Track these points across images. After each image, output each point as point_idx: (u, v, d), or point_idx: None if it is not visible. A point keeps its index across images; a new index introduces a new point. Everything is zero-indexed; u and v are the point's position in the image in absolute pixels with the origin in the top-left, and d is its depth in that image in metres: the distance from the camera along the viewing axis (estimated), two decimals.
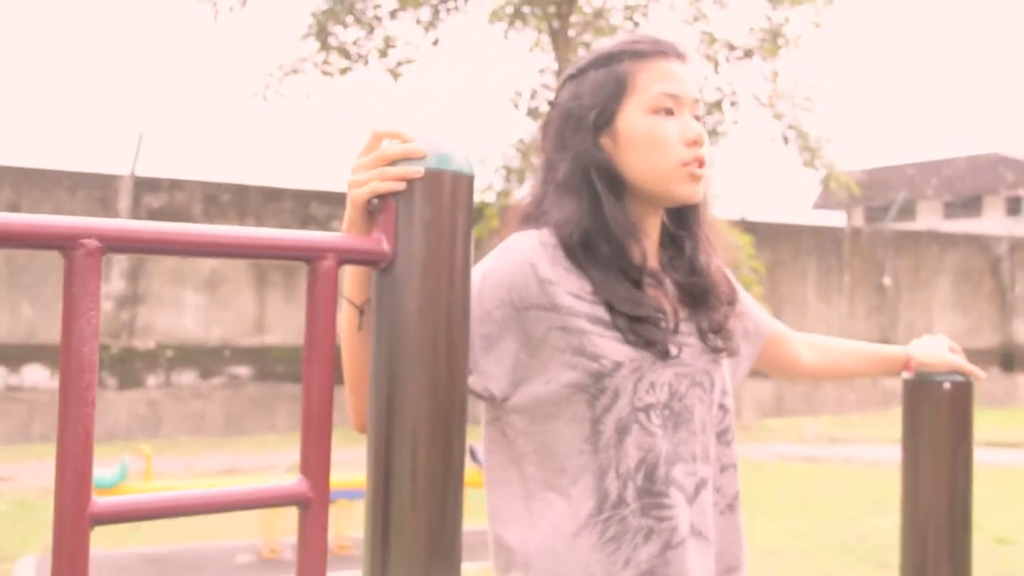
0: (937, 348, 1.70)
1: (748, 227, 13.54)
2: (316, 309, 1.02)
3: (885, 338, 15.40)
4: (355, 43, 12.89)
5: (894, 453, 9.91)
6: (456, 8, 13.08)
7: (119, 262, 11.26)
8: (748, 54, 13.43)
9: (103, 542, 5.88)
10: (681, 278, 1.50)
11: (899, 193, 19.05)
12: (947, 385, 1.61)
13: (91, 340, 0.89)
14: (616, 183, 1.46)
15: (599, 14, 13.46)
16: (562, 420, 1.41)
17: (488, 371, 1.39)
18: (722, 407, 1.50)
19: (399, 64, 13.10)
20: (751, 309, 1.65)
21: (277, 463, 9.46)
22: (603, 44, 1.53)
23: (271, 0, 13.98)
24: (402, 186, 1.06)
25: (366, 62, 12.95)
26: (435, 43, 13.22)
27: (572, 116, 1.48)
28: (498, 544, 1.45)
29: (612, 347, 1.40)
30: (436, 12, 13.00)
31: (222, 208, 12.00)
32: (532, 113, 12.95)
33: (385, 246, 1.06)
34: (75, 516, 0.89)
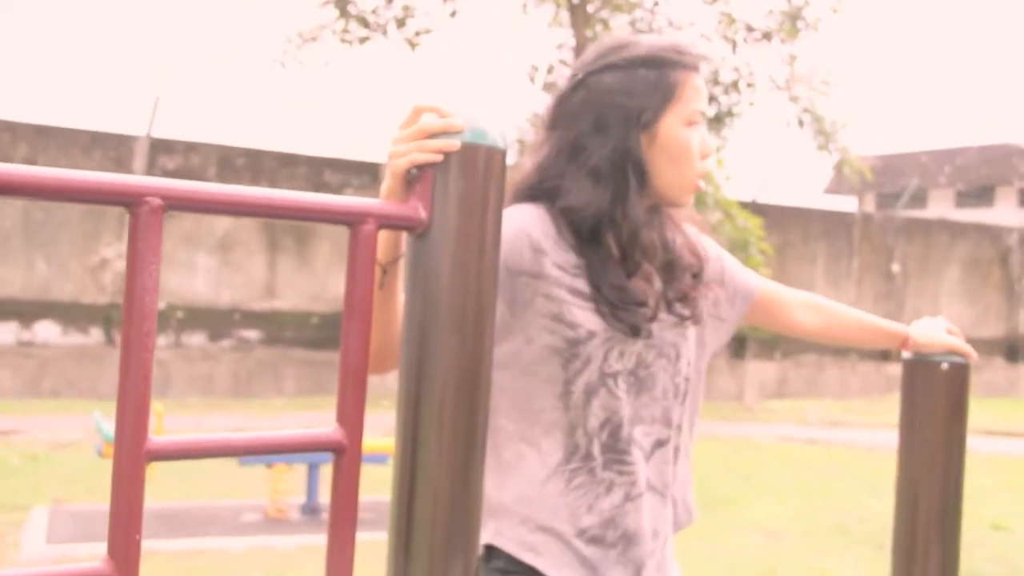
0: (936, 330, 1.76)
1: (758, 209, 13.58)
2: (356, 269, 1.09)
3: None
4: (374, 12, 12.90)
5: (894, 438, 9.97)
6: None
7: None
8: (767, 36, 13.41)
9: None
10: (665, 256, 1.63)
11: (911, 180, 19.04)
12: (945, 366, 1.68)
13: (152, 291, 0.96)
14: (645, 181, 1.58)
15: None
16: (538, 378, 1.55)
17: None
18: (687, 377, 1.64)
19: (417, 34, 13.12)
20: (736, 275, 1.76)
21: (284, 426, 9.57)
22: (649, 42, 1.61)
23: None
24: (440, 158, 1.13)
25: (384, 31, 12.97)
26: (453, 14, 13.23)
27: (620, 108, 1.56)
28: None
29: (588, 318, 1.53)
30: None
31: (236, 172, 12.07)
32: (548, 88, 12.97)
33: (422, 213, 1.13)
34: (134, 451, 0.97)
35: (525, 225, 1.54)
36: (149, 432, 0.98)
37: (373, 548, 2.26)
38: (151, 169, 11.59)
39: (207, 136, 12.21)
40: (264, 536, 5.53)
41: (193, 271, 11.84)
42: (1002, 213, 26.32)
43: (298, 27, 12.95)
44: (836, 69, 13.12)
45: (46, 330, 11.44)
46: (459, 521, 1.15)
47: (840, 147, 14.16)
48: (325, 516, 6.01)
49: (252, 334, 12.17)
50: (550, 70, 13.25)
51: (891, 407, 13.55)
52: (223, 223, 11.90)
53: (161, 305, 11.71)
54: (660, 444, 1.61)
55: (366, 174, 12.76)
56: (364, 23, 12.86)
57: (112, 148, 11.63)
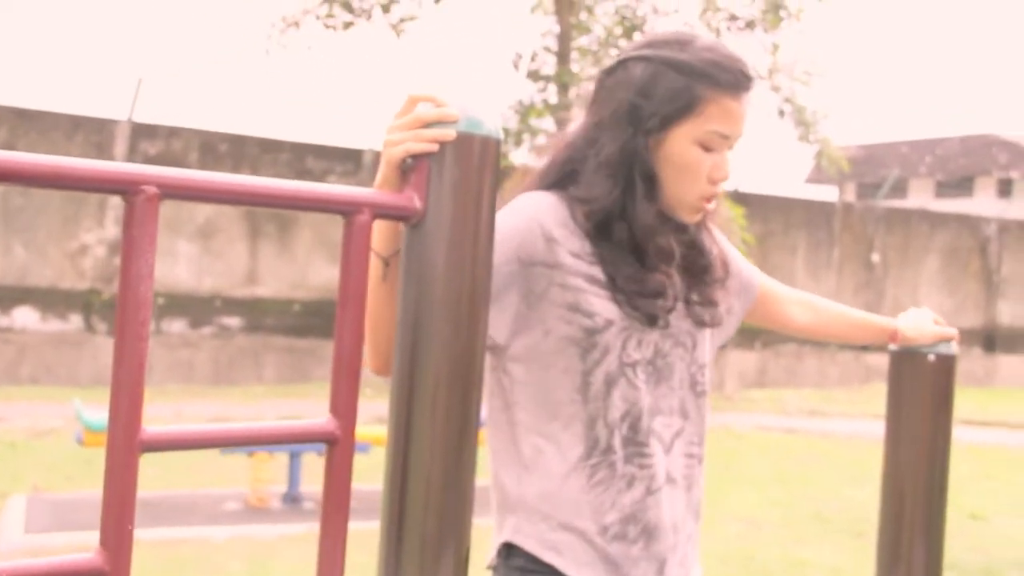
0: (923, 321, 1.78)
1: (740, 198, 13.62)
2: (350, 259, 1.08)
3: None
4: None
5: (873, 427, 10.06)
6: None
7: (114, 208, 11.27)
8: (750, 25, 13.44)
9: (95, 483, 5.97)
10: (682, 251, 1.59)
11: (892, 170, 19.14)
12: (931, 357, 1.70)
13: (147, 279, 0.96)
14: (654, 184, 1.53)
15: None
16: (556, 370, 1.51)
17: (493, 321, 1.48)
18: (704, 366, 1.61)
19: (402, 20, 13.06)
20: (741, 268, 1.75)
21: (265, 414, 9.55)
22: (699, 46, 1.53)
23: None
24: (435, 147, 1.13)
25: (369, 17, 12.91)
26: (438, 1, 13.18)
27: (635, 106, 1.52)
28: (496, 483, 1.58)
29: (605, 306, 1.51)
30: None
31: (218, 157, 12.02)
32: (532, 75, 12.95)
33: (417, 203, 1.13)
34: (127, 442, 0.96)
35: (538, 214, 1.51)
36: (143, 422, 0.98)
37: (358, 537, 2.26)
38: (132, 154, 11.51)
39: (189, 121, 12.14)
40: (245, 525, 5.52)
41: (174, 258, 11.78)
42: (981, 203, 26.48)
43: (281, 11, 12.88)
44: (818, 59, 13.11)
45: (24, 316, 11.36)
46: (451, 511, 1.15)
47: (820, 138, 14.22)
48: (306, 505, 6.01)
49: (233, 321, 12.13)
50: (534, 57, 13.22)
51: (870, 396, 13.65)
52: (204, 210, 11.83)
53: None
54: (679, 435, 1.57)
55: (349, 161, 12.72)
56: (348, 8, 12.79)
57: (93, 132, 11.55)
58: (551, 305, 1.50)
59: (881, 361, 15.36)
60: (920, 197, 28.75)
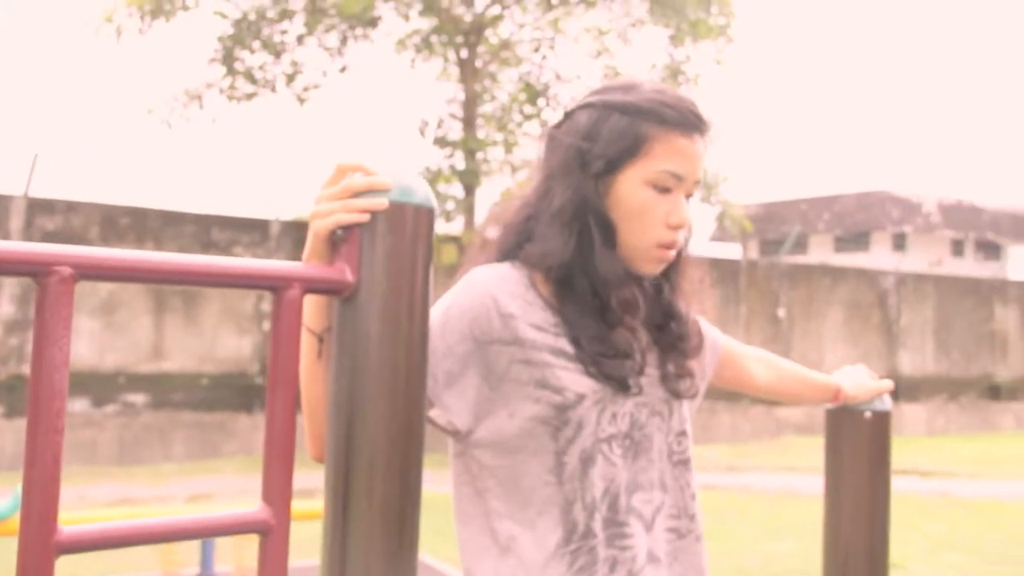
0: (860, 378, 1.78)
1: None
2: (280, 337, 1.03)
3: None
4: (261, 68, 12.80)
5: (788, 481, 10.16)
6: (364, 36, 13.08)
7: (9, 285, 10.91)
8: None
9: None
10: (656, 319, 1.52)
11: (794, 227, 19.59)
12: (868, 414, 1.69)
13: (62, 368, 0.89)
14: (610, 230, 1.46)
15: (505, 45, 13.63)
16: (526, 453, 1.42)
17: (451, 405, 1.40)
18: (682, 434, 1.53)
19: (306, 90, 13.04)
20: (707, 330, 1.68)
21: (175, 493, 9.25)
22: (645, 88, 1.48)
23: (177, 24, 13.76)
24: (366, 217, 1.08)
25: (273, 88, 12.86)
26: (343, 70, 13.20)
27: (581, 152, 1.46)
28: None
29: (575, 379, 1.41)
30: (344, 39, 13.00)
31: (120, 232, 11.75)
32: (439, 142, 13.00)
33: (349, 276, 1.08)
34: (41, 544, 0.88)
35: (489, 288, 1.42)
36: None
37: None
38: (29, 230, 11.19)
39: (88, 195, 11.86)
40: None
41: (76, 334, 11.42)
42: (877, 257, 27.28)
43: (184, 84, 12.76)
44: (717, 123, 13.39)
45: None
46: None
47: (722, 199, 14.52)
48: None
49: (138, 398, 11.78)
50: (440, 124, 13.29)
51: (782, 450, 13.80)
52: (106, 285, 11.53)
53: None
54: (659, 510, 1.47)
55: (256, 231, 12.56)
56: (251, 79, 12.73)
57: None
58: (515, 384, 1.41)
59: (791, 414, 15.60)
60: (820, 252, 29.52)
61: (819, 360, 16.23)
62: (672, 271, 1.55)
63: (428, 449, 1.18)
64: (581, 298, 1.44)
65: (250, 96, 12.78)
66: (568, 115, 1.52)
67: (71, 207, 11.65)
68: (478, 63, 13.30)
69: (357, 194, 1.11)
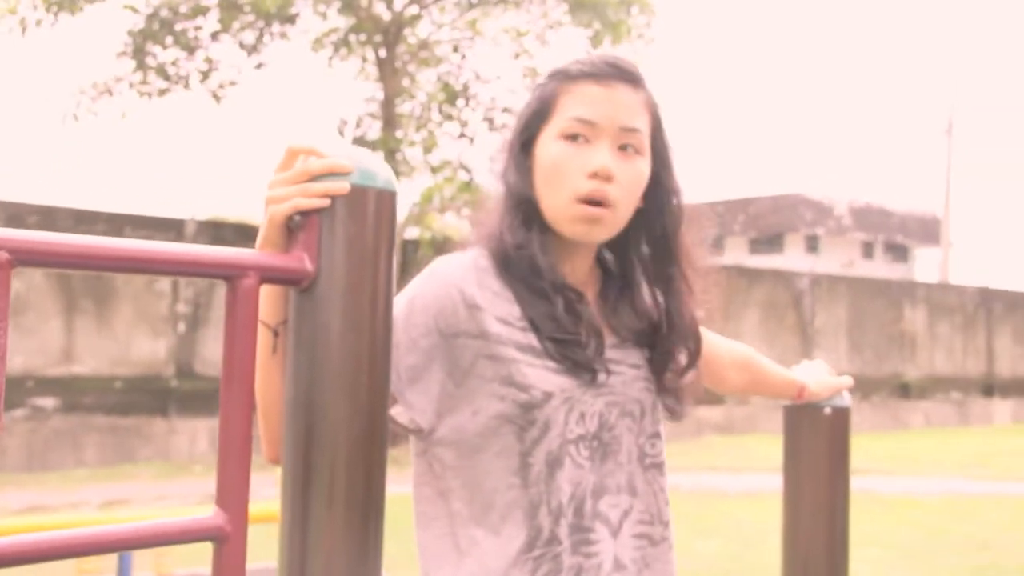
0: (820, 374, 1.75)
1: None
2: (235, 330, 0.96)
3: None
4: (174, 63, 12.52)
5: (710, 480, 10.24)
6: (282, 34, 12.88)
7: None
8: None
9: None
10: (635, 322, 1.44)
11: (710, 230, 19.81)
12: (828, 410, 1.67)
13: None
14: (525, 207, 1.39)
15: (424, 46, 13.53)
16: (490, 453, 1.34)
17: (414, 402, 1.33)
18: (655, 436, 1.45)
19: (221, 87, 12.79)
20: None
21: (88, 500, 8.97)
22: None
23: (85, 18, 13.40)
24: (326, 202, 1.02)
25: (187, 84, 12.58)
26: (259, 67, 12.97)
27: (510, 135, 1.43)
28: None
29: (542, 376, 1.34)
30: (260, 36, 12.77)
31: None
32: (358, 141, 12.86)
33: (307, 265, 1.01)
34: None
35: (455, 279, 1.35)
36: None
37: None
38: None
39: None
40: None
41: None
42: (791, 259, 27.77)
43: (92, 79, 12.41)
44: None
45: None
46: None
47: None
48: None
49: (48, 402, 11.41)
50: (359, 123, 13.15)
51: (703, 449, 13.93)
52: (12, 285, 11.14)
53: None
54: (627, 515, 1.39)
55: (171, 231, 12.26)
56: (164, 75, 12.44)
57: None
58: (480, 380, 1.33)
59: (711, 414, 15.76)
60: (735, 254, 29.94)
61: None
62: (667, 262, 1.46)
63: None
64: (520, 279, 1.37)
65: (163, 92, 12.48)
66: None
67: None
68: (397, 63, 13.18)
69: (315, 178, 1.04)
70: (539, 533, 1.33)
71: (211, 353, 11.91)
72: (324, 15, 12.85)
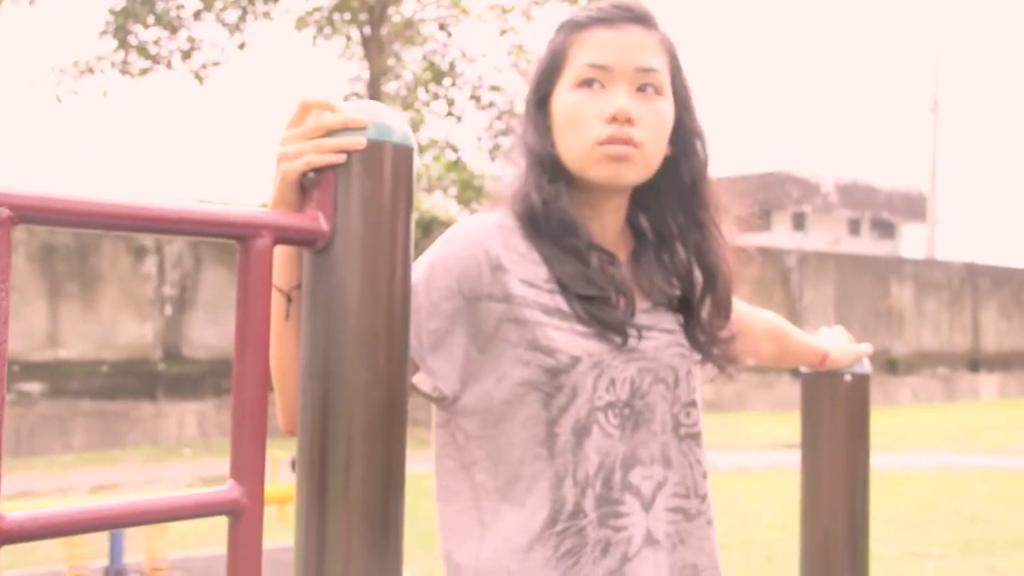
0: (842, 342, 1.71)
1: None
2: (248, 293, 0.91)
3: None
4: (156, 43, 12.38)
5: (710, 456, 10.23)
6: (265, 13, 12.75)
7: None
8: None
9: None
10: (668, 286, 1.38)
11: None
12: (848, 377, 1.63)
13: (0, 325, 0.76)
14: (549, 164, 1.33)
15: (409, 24, 13.42)
16: (515, 423, 1.29)
17: (436, 369, 1.27)
18: (691, 404, 1.38)
19: (204, 67, 12.66)
20: None
21: (77, 484, 8.91)
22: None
23: None
24: (342, 158, 0.96)
25: (169, 64, 12.45)
26: (241, 46, 12.84)
27: (527, 95, 1.39)
28: (448, 561, 1.33)
29: (569, 340, 1.28)
30: (243, 15, 12.64)
31: None
32: None
33: (322, 224, 0.96)
34: None
35: (480, 238, 1.29)
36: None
37: None
38: None
39: None
40: None
41: None
42: (779, 236, 27.79)
43: (73, 58, 12.28)
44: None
45: None
46: None
47: None
48: None
49: (34, 387, 11.32)
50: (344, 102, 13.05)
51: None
52: None
53: None
54: (660, 487, 1.33)
55: None
56: (146, 54, 12.30)
57: None
58: (505, 345, 1.27)
59: (705, 391, 15.77)
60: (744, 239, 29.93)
61: None
62: (695, 208, 1.40)
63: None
64: (548, 238, 1.32)
65: (144, 72, 12.35)
66: None
67: None
68: (382, 42, 13.07)
69: (329, 133, 0.99)
70: (563, 506, 1.28)
71: (199, 336, 11.84)
72: None
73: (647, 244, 1.42)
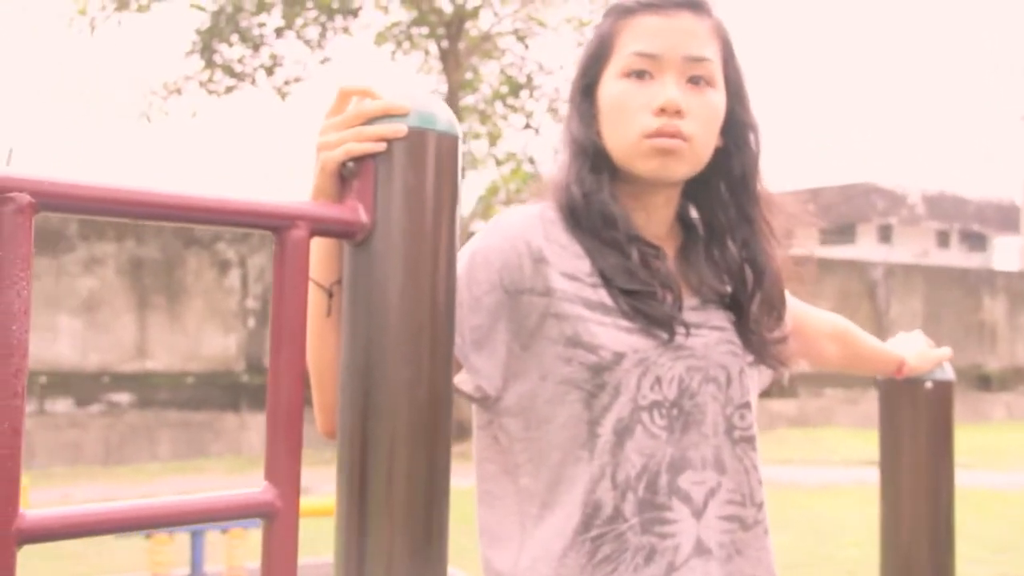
0: (920, 347, 1.63)
1: None
2: (284, 287, 0.87)
3: None
4: (240, 61, 12.60)
5: (783, 473, 10.03)
6: (344, 29, 12.90)
7: None
8: None
9: None
10: (718, 282, 1.32)
11: None
12: (928, 384, 1.54)
13: (21, 317, 0.73)
14: (595, 155, 1.29)
15: (486, 38, 13.46)
16: (556, 423, 1.23)
17: (479, 367, 1.22)
18: (744, 406, 1.31)
19: (287, 83, 12.84)
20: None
21: (161, 492, 9.06)
22: None
23: (152, 17, 13.59)
24: (382, 147, 0.92)
25: (253, 81, 12.66)
26: (323, 62, 13.01)
27: (572, 86, 1.34)
28: (487, 569, 1.28)
29: (613, 336, 1.22)
30: (323, 31, 12.81)
31: (99, 228, 11.53)
32: None
33: (362, 216, 0.92)
34: (1, 531, 0.72)
35: (522, 230, 1.25)
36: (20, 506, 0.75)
37: None
38: None
39: None
40: None
41: (55, 334, 11.20)
42: (864, 249, 27.23)
43: (162, 79, 12.56)
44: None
45: None
46: None
47: None
48: None
49: (123, 397, 11.57)
50: None
51: (776, 443, 13.68)
52: (87, 282, 11.32)
53: None
54: (713, 494, 1.26)
55: None
56: (230, 72, 12.53)
57: None
58: (547, 342, 1.22)
59: (784, 407, 15.49)
60: (805, 245, 29.42)
61: None
62: (745, 203, 1.33)
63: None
64: (590, 231, 1.26)
65: (229, 89, 12.58)
66: None
67: None
68: (460, 56, 13.12)
69: (370, 120, 0.95)
70: (598, 509, 1.21)
71: None
72: (386, 8, 12.85)
73: (697, 238, 1.36)
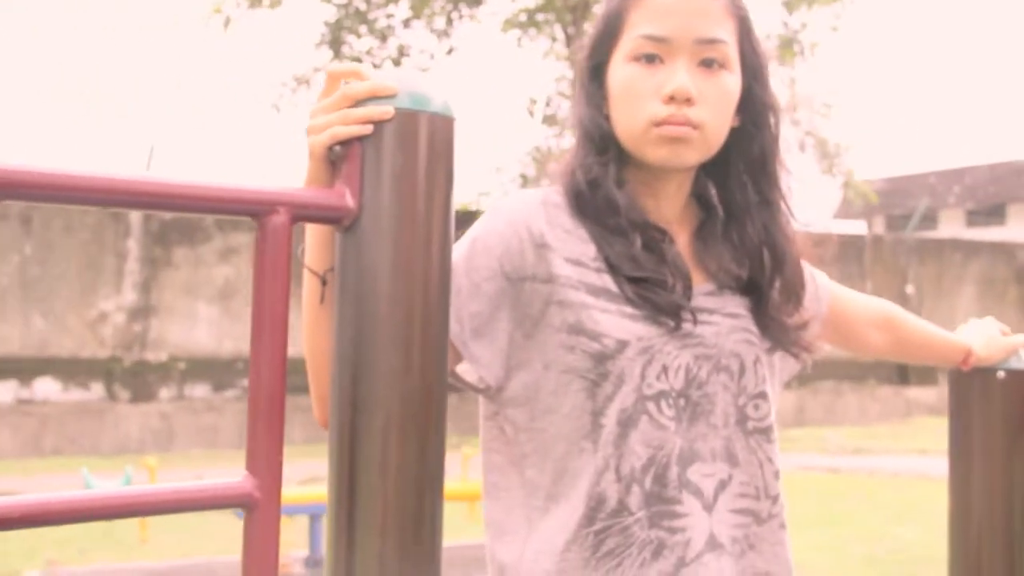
0: (991, 334, 1.52)
1: None
2: (264, 273, 0.86)
3: None
4: (369, 52, 12.80)
5: (918, 464, 9.69)
6: (471, 16, 12.97)
7: (131, 273, 11.16)
8: None
9: (109, 556, 5.73)
10: (735, 266, 1.27)
11: (920, 201, 18.84)
12: (1001, 374, 1.44)
13: None
14: (601, 139, 1.24)
15: None
16: (560, 414, 1.20)
17: (480, 356, 1.19)
18: (759, 396, 1.25)
19: None
20: (810, 276, 1.42)
21: (289, 476, 9.26)
22: None
23: (282, 11, 13.93)
24: (368, 129, 0.90)
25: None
26: (449, 52, 13.12)
27: (581, 68, 1.29)
28: (492, 561, 1.25)
29: (617, 323, 1.18)
30: (450, 20, 12.91)
31: (235, 223, 11.90)
32: (548, 120, 12.82)
33: (349, 200, 0.90)
34: None
35: (521, 215, 1.20)
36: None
37: None
38: (148, 222, 11.42)
39: None
40: None
41: (194, 321, 11.62)
42: (1015, 230, 26.02)
43: (292, 71, 12.86)
44: (837, 90, 13.00)
45: (46, 387, 11.22)
46: None
47: (844, 170, 13.98)
48: None
49: None
50: (548, 102, 13.10)
51: (913, 432, 13.27)
52: (223, 271, 11.70)
53: (163, 357, 11.50)
54: (724, 487, 1.21)
55: None
56: (359, 63, 12.75)
57: None
58: (551, 331, 1.19)
59: (923, 395, 14.97)
60: (951, 227, 28.32)
61: None
62: (765, 188, 1.28)
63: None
64: (595, 215, 1.22)
65: None
66: None
67: None
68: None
69: (357, 103, 0.92)
70: (602, 503, 1.17)
71: None
72: None
73: (715, 220, 1.30)
